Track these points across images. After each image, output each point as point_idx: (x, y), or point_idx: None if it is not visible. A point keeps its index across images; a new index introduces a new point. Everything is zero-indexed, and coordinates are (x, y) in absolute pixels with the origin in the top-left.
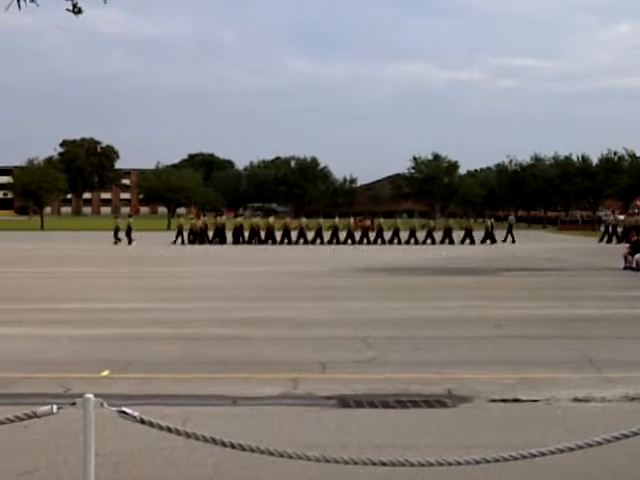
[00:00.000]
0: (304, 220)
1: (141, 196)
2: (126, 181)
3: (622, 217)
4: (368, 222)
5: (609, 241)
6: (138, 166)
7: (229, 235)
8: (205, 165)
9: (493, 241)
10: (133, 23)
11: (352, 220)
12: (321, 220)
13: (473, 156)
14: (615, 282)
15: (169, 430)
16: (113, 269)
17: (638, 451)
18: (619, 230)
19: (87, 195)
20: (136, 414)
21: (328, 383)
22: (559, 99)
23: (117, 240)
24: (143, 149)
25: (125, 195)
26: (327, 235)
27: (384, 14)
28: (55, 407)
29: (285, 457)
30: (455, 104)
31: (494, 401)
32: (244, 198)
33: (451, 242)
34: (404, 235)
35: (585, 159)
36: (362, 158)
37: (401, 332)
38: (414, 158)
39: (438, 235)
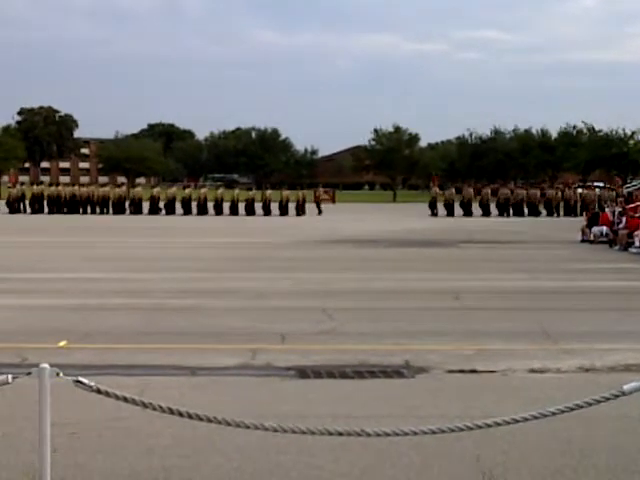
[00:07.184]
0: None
1: (100, 166)
2: (85, 150)
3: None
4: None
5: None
6: (97, 135)
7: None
8: (165, 135)
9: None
10: None
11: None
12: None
13: (435, 129)
14: (572, 255)
15: (125, 400)
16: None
17: (591, 421)
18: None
19: (45, 164)
20: (92, 384)
21: (287, 354)
22: (522, 72)
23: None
24: (103, 118)
25: (84, 165)
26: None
27: None
28: (10, 377)
29: (242, 427)
30: (418, 76)
31: (451, 372)
32: (204, 169)
33: None
34: None
35: (544, 133)
36: (324, 129)
37: (361, 303)
38: (375, 130)
39: None
